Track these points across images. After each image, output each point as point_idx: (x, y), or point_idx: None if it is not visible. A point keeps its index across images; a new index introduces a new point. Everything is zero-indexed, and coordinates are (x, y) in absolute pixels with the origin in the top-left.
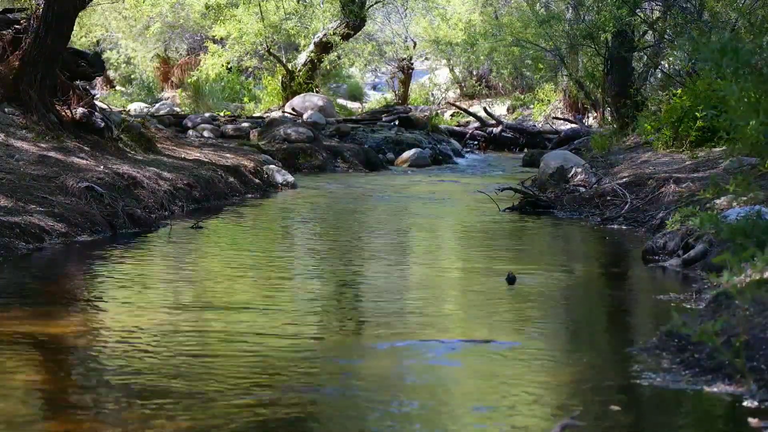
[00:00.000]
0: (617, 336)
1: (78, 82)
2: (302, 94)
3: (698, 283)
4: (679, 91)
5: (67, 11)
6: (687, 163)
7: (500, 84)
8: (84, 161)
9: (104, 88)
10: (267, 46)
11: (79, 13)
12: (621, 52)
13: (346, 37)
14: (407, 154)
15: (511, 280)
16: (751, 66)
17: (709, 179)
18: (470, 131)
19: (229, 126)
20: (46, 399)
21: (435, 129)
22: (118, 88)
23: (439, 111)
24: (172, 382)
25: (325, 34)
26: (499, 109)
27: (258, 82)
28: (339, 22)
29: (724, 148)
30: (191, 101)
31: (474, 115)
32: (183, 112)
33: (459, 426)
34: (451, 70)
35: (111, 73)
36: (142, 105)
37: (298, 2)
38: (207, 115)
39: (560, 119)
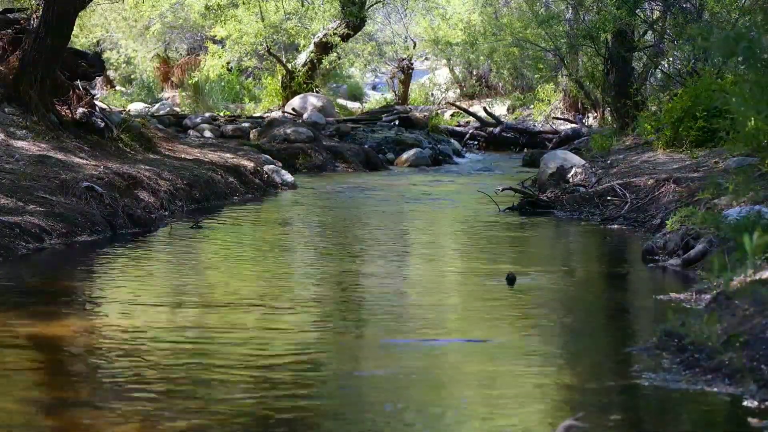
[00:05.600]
0: (617, 336)
1: (78, 82)
2: (302, 94)
3: (698, 283)
4: (679, 91)
5: (67, 11)
6: (687, 163)
7: (500, 84)
8: (84, 161)
9: (104, 88)
10: (267, 46)
11: (79, 14)
12: (621, 52)
13: (346, 38)
14: (407, 154)
15: (511, 280)
16: (760, 59)
17: (709, 179)
18: (470, 131)
19: (229, 126)
20: (46, 399)
21: (435, 129)
22: (118, 88)
23: (439, 111)
24: (172, 382)
25: (325, 35)
26: (499, 109)
27: (258, 82)
28: (339, 22)
29: (723, 149)
30: (191, 101)
31: (474, 115)
32: (183, 112)
33: (459, 426)
34: (451, 70)
35: (111, 73)
36: (142, 105)
37: (302, 4)
38: (207, 115)
39: (560, 119)
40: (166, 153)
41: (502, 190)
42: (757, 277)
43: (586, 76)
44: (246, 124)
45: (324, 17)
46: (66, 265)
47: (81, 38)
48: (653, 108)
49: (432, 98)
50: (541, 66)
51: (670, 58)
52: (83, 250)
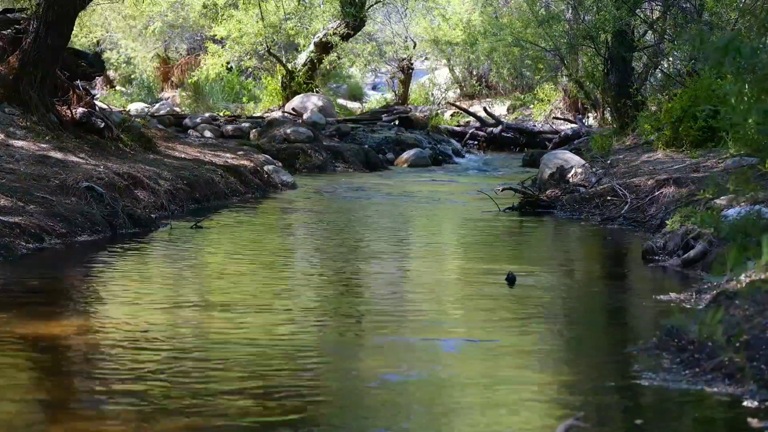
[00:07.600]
0: (617, 336)
1: (78, 82)
2: (302, 94)
3: (698, 283)
4: (679, 91)
5: (67, 11)
6: (687, 163)
7: (500, 84)
8: (84, 161)
9: (104, 88)
10: (267, 46)
11: (79, 13)
12: (621, 52)
13: (346, 38)
14: (407, 154)
15: (511, 280)
16: (752, 65)
17: (709, 179)
18: (470, 131)
19: (229, 126)
20: (45, 399)
21: (435, 129)
22: (118, 88)
23: (439, 111)
24: (172, 382)
25: (325, 34)
26: (499, 109)
27: (258, 82)
28: (339, 22)
29: (723, 149)
30: (191, 101)
31: (474, 115)
32: (183, 112)
33: (459, 426)
34: (451, 70)
35: (111, 73)
36: (142, 105)
37: (298, 3)
38: (207, 115)
39: (560, 119)
40: (166, 153)
41: (502, 190)
42: (757, 278)
43: (586, 76)
44: (246, 124)
45: (324, 17)
46: (66, 265)
47: (81, 38)
48: (653, 108)
49: (432, 98)
50: (541, 66)
51: (670, 58)
52: (83, 250)
